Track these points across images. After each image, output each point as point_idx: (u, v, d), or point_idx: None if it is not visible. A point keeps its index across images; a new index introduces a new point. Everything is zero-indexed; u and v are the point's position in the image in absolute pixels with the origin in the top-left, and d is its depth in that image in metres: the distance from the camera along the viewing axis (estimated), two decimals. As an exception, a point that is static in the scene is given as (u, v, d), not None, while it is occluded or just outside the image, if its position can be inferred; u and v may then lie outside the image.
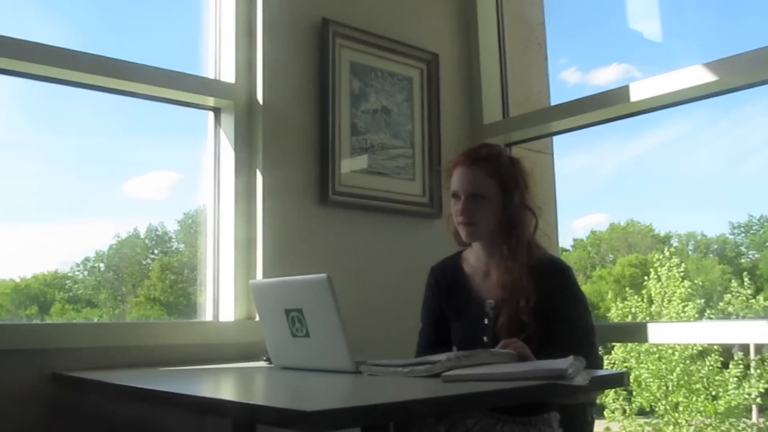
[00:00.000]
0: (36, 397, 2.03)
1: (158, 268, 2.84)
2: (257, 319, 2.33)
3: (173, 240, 2.88)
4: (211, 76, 2.66)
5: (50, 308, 2.54)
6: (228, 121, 2.64)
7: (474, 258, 2.20)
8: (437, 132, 3.10)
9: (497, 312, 2.05)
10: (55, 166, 2.38)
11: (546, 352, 1.84)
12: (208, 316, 2.57)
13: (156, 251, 2.84)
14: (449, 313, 2.20)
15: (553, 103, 3.39)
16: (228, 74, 2.65)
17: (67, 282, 2.59)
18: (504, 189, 2.08)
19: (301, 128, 2.70)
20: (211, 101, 2.62)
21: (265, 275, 2.50)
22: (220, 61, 2.69)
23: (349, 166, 2.79)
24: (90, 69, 2.31)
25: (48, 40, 2.22)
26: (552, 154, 3.37)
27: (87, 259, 2.64)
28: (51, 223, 2.38)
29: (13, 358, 2.01)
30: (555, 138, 3.32)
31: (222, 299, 2.56)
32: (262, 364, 2.18)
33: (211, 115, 2.67)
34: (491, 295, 2.10)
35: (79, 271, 2.64)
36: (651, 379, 12.41)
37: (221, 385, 1.88)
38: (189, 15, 2.76)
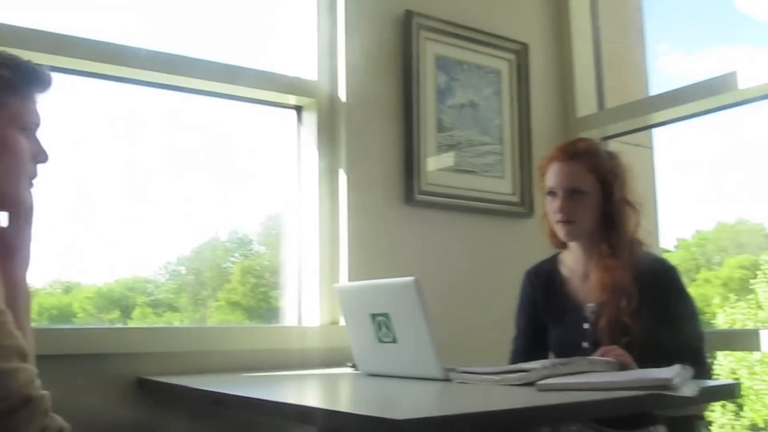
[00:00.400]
0: (123, 401, 2.10)
1: (239, 272, 2.90)
2: (342, 323, 2.35)
3: (254, 243, 2.94)
4: (292, 74, 2.71)
5: (132, 312, 2.63)
6: (310, 119, 2.68)
7: (572, 260, 2.17)
8: (528, 127, 3.07)
9: (597, 316, 2.01)
10: (139, 169, 2.47)
11: (650, 360, 1.79)
12: (291, 321, 2.62)
13: (237, 254, 2.91)
14: (546, 319, 2.18)
15: (652, 93, 3.31)
16: (310, 71, 2.69)
17: (148, 286, 2.68)
18: (603, 184, 2.05)
19: (385, 126, 2.72)
20: (292, 100, 2.67)
21: (349, 278, 2.53)
22: (301, 59, 2.73)
23: (435, 164, 2.79)
24: (172, 70, 2.39)
25: (130, 42, 2.32)
26: (652, 148, 3.29)
27: (168, 263, 2.72)
28: (133, 227, 2.46)
29: (100, 362, 2.10)
30: (655, 130, 3.24)
31: (305, 303, 2.61)
32: (348, 370, 2.21)
33: (292, 113, 2.72)
34: (591, 299, 2.07)
35: (160, 274, 2.72)
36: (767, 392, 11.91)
37: (306, 392, 1.92)
38: (269, 12, 2.81)
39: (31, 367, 1.16)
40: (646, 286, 1.98)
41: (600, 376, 1.63)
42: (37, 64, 1.42)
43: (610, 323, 1.97)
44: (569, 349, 2.01)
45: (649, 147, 3.29)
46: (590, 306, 2.06)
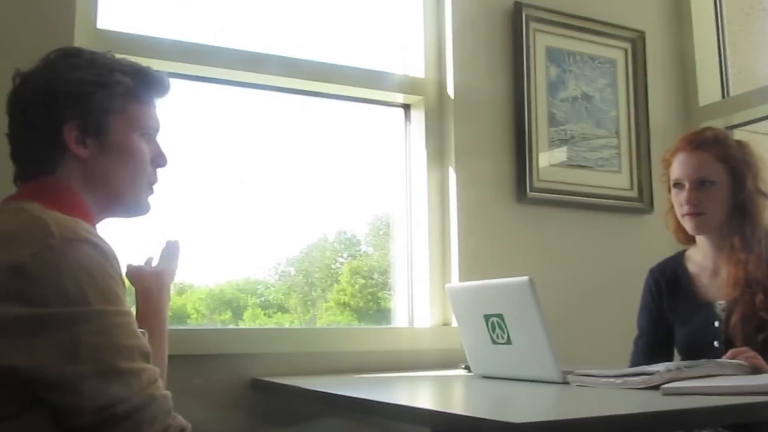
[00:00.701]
0: (238, 401, 2.18)
1: (347, 272, 2.94)
2: (454, 324, 2.37)
3: (362, 243, 2.98)
4: (399, 71, 2.75)
5: (243, 313, 2.71)
6: (418, 117, 2.71)
7: (700, 255, 2.12)
8: (645, 118, 3.00)
9: (729, 313, 1.96)
10: (248, 171, 2.55)
11: None
12: (402, 322, 2.66)
13: (345, 255, 2.95)
14: (672, 318, 2.13)
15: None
16: (417, 68, 2.72)
17: (258, 287, 2.75)
18: (734, 173, 2.00)
19: (495, 122, 2.72)
20: (400, 98, 2.71)
21: (460, 278, 2.54)
22: (408, 56, 2.77)
23: (548, 159, 2.78)
24: (279, 71, 2.47)
25: (237, 45, 2.41)
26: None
27: (278, 264, 2.79)
28: (243, 228, 2.54)
29: (215, 362, 2.18)
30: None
31: (416, 304, 2.64)
32: (461, 372, 2.22)
33: (400, 112, 2.75)
34: (721, 295, 2.02)
35: (270, 276, 2.80)
36: None
37: (419, 393, 1.94)
38: (374, 10, 2.86)
39: (154, 367, 1.22)
40: None
41: (730, 380, 1.59)
42: (156, 71, 1.50)
43: (743, 320, 1.91)
44: (698, 348, 1.96)
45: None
46: (721, 303, 2.01)
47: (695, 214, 2.02)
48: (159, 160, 1.51)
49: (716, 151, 2.01)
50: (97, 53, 1.44)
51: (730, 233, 2.02)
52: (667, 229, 2.19)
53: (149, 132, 1.48)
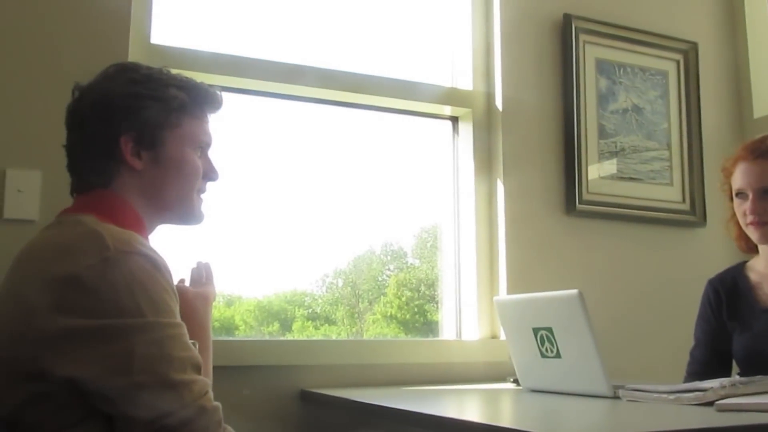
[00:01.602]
0: (287, 413, 2.19)
1: (394, 285, 2.95)
2: (502, 338, 2.36)
3: (408, 255, 2.98)
4: (447, 84, 2.75)
5: (291, 325, 2.73)
6: (466, 130, 2.71)
7: (762, 264, 2.10)
8: (698, 130, 2.96)
9: None
10: (296, 183, 2.57)
11: None
12: (449, 335, 2.65)
13: (391, 267, 2.96)
14: (731, 326, 2.10)
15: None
16: (465, 81, 2.73)
17: (306, 299, 2.77)
18: None
19: (544, 134, 2.71)
20: (448, 110, 2.71)
21: (509, 291, 2.53)
22: (456, 68, 2.77)
23: (598, 172, 2.75)
24: (328, 84, 2.49)
25: (287, 59, 2.44)
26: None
27: (326, 275, 2.80)
28: (291, 240, 2.57)
29: (263, 374, 2.20)
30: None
31: (464, 316, 2.63)
32: (510, 385, 2.21)
33: (448, 124, 2.76)
34: None
35: (317, 287, 2.81)
36: None
37: (467, 407, 1.93)
38: (422, 22, 2.87)
39: (205, 379, 1.24)
40: None
41: (787, 397, 1.55)
42: (209, 86, 1.53)
43: None
44: (757, 356, 1.94)
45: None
46: None
47: (760, 223, 2.00)
48: (211, 174, 1.54)
49: None
50: (153, 68, 1.48)
51: None
52: (729, 236, 2.18)
53: (202, 146, 1.51)
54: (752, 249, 2.13)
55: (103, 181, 1.39)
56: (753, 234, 2.03)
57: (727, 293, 2.15)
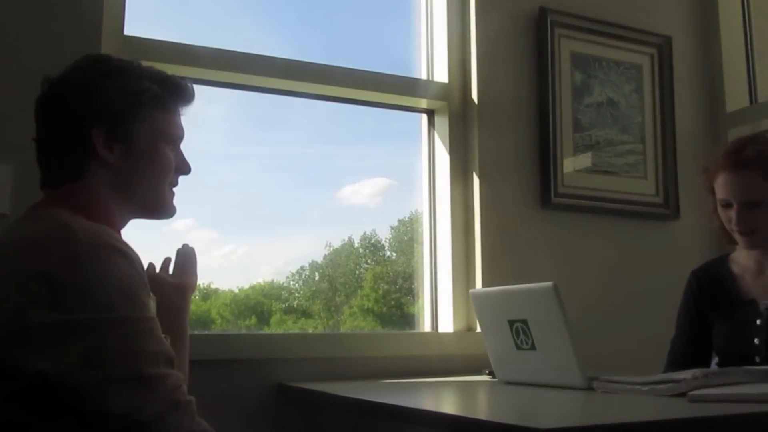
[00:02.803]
0: (264, 407, 2.18)
1: (371, 278, 2.94)
2: (478, 330, 2.36)
3: (386, 248, 2.98)
4: (423, 76, 2.75)
5: (268, 319, 2.72)
6: (442, 123, 2.71)
7: (744, 256, 2.12)
8: (671, 124, 2.98)
9: None
10: (272, 176, 2.56)
11: None
12: (426, 327, 2.65)
13: (369, 260, 2.96)
14: (712, 317, 2.12)
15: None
16: (441, 74, 2.72)
17: (282, 292, 2.76)
18: None
19: (520, 127, 2.71)
20: (424, 103, 2.71)
21: (484, 284, 2.54)
22: (432, 61, 2.77)
23: (573, 165, 2.76)
24: (303, 77, 2.47)
25: (263, 51, 2.42)
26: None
27: (302, 269, 2.80)
28: (266, 233, 2.56)
29: (240, 367, 2.19)
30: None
31: (441, 309, 2.63)
32: (485, 377, 2.22)
33: (424, 117, 2.76)
34: (765, 294, 2.02)
35: (294, 281, 2.80)
36: None
37: (443, 399, 1.93)
38: (398, 15, 2.87)
39: (178, 373, 1.22)
40: None
41: (758, 388, 1.57)
42: (182, 79, 1.51)
43: None
44: (737, 346, 1.97)
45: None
46: (765, 302, 2.01)
47: (747, 232, 2.01)
48: (183, 168, 1.53)
49: (761, 170, 1.97)
50: (125, 60, 1.46)
51: None
52: (712, 227, 2.19)
53: (174, 140, 1.49)
54: (734, 241, 2.14)
55: (74, 174, 1.37)
56: (741, 241, 2.05)
57: (710, 284, 2.17)
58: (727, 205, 2.04)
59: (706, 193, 2.16)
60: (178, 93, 1.49)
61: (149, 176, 1.44)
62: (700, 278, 2.21)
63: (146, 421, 1.14)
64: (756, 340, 1.97)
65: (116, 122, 1.38)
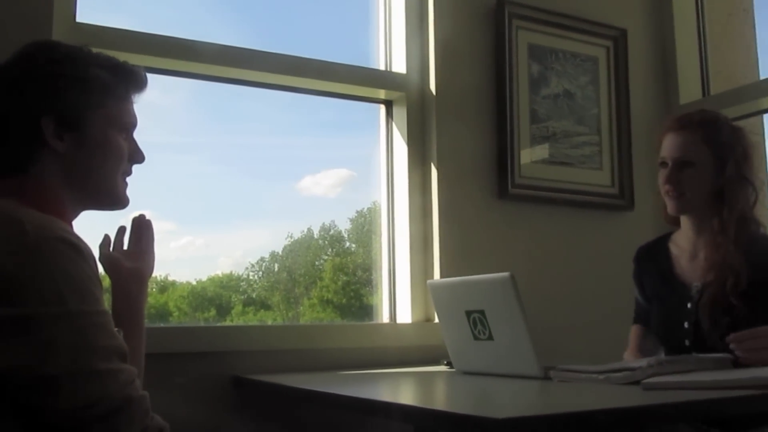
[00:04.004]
0: (220, 399, 2.16)
1: (330, 269, 2.93)
2: (436, 321, 2.36)
3: (345, 240, 2.97)
4: (381, 67, 2.74)
5: (228, 311, 2.70)
6: (400, 113, 2.70)
7: (683, 238, 2.13)
8: (627, 116, 3.00)
9: (701, 295, 1.97)
10: (230, 167, 2.53)
11: None
12: (384, 318, 2.64)
13: (329, 251, 2.94)
14: (649, 296, 2.15)
15: (764, 77, 3.18)
16: (399, 65, 2.71)
17: (241, 284, 2.74)
18: (718, 156, 1.99)
19: (477, 118, 2.71)
20: (382, 94, 2.69)
21: (442, 275, 2.53)
22: (390, 52, 2.76)
23: (530, 156, 2.77)
24: (261, 67, 2.44)
25: (222, 41, 2.38)
26: (763, 135, 3.17)
27: (262, 260, 2.77)
28: (224, 224, 2.53)
29: (197, 360, 2.16)
30: (766, 117, 3.12)
31: (399, 300, 2.63)
32: (443, 368, 2.22)
33: (382, 108, 2.74)
34: (698, 278, 2.03)
35: (253, 272, 2.78)
36: None
37: (401, 390, 1.93)
38: (356, 5, 2.85)
39: (131, 368, 1.20)
40: (759, 268, 1.91)
41: (709, 375, 1.59)
42: (134, 66, 1.48)
43: (712, 302, 1.92)
44: (669, 328, 2.00)
45: (759, 134, 3.16)
46: (696, 285, 2.02)
47: (675, 194, 2.02)
48: (136, 156, 1.49)
49: (703, 132, 2.00)
50: (74, 47, 1.42)
51: (711, 217, 2.01)
52: (657, 204, 2.20)
53: (127, 128, 1.46)
54: (676, 222, 2.16)
55: (23, 165, 1.33)
56: (668, 204, 2.05)
57: (649, 266, 2.19)
58: (663, 164, 2.05)
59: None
60: (130, 80, 1.46)
61: (101, 165, 1.40)
62: (643, 258, 2.23)
63: (99, 416, 1.11)
64: (686, 324, 1.99)
65: (66, 111, 1.34)
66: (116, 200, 1.46)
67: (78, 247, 1.19)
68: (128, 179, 1.49)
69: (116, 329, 1.22)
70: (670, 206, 2.05)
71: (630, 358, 2.11)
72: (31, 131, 1.33)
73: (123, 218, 1.66)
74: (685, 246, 2.12)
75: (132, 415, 1.15)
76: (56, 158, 1.35)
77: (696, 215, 2.06)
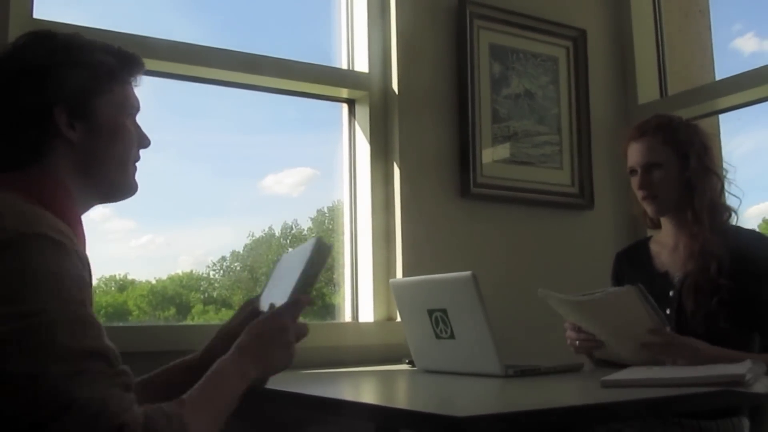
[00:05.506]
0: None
1: (293, 268, 2.92)
2: (398, 319, 2.36)
3: (307, 238, 2.96)
4: (344, 66, 2.73)
5: (187, 310, 2.67)
6: (362, 112, 2.69)
7: (663, 234, 2.21)
8: (586, 116, 3.03)
9: (683, 282, 2.04)
10: (192, 165, 2.51)
11: (740, 338, 1.84)
12: (347, 317, 2.64)
13: (290, 250, 2.93)
14: None
15: (720, 77, 3.24)
16: (361, 64, 2.71)
17: (202, 283, 2.71)
18: (679, 153, 2.09)
19: (439, 117, 2.72)
20: (344, 93, 2.69)
21: (405, 274, 2.54)
22: (352, 51, 2.75)
23: (491, 155, 2.78)
24: (223, 65, 2.42)
25: (182, 38, 2.35)
26: (719, 135, 3.22)
27: (223, 259, 2.75)
28: (186, 223, 2.51)
29: (158, 359, 2.12)
30: (722, 116, 3.17)
31: (361, 299, 2.62)
32: (405, 366, 2.22)
33: (344, 107, 2.74)
34: (679, 268, 2.09)
35: (214, 271, 2.76)
36: None
37: (363, 389, 1.93)
38: (319, 4, 2.83)
39: (108, 367, 1.15)
40: (737, 256, 1.97)
41: (668, 371, 1.61)
42: (129, 50, 1.45)
43: (696, 286, 1.98)
44: None
45: (716, 134, 3.21)
46: (678, 276, 2.08)
47: (650, 197, 2.11)
48: (143, 141, 1.46)
49: (662, 135, 2.10)
50: (71, 35, 1.38)
51: (686, 209, 2.09)
52: (637, 215, 2.28)
53: (132, 112, 1.43)
54: (656, 224, 2.25)
55: (33, 157, 1.29)
56: (648, 209, 2.15)
57: (629, 261, 2.26)
58: (633, 172, 2.15)
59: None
60: (131, 63, 1.43)
61: (115, 153, 1.37)
62: (621, 259, 2.31)
63: (73, 414, 1.08)
64: (668, 311, 2.03)
65: (76, 99, 1.31)
66: (128, 188, 1.43)
67: (61, 244, 1.15)
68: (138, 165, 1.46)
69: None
70: (650, 210, 2.14)
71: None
72: (43, 122, 1.29)
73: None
74: (666, 241, 2.19)
75: (108, 412, 1.11)
76: (67, 149, 1.31)
77: (674, 212, 2.14)
